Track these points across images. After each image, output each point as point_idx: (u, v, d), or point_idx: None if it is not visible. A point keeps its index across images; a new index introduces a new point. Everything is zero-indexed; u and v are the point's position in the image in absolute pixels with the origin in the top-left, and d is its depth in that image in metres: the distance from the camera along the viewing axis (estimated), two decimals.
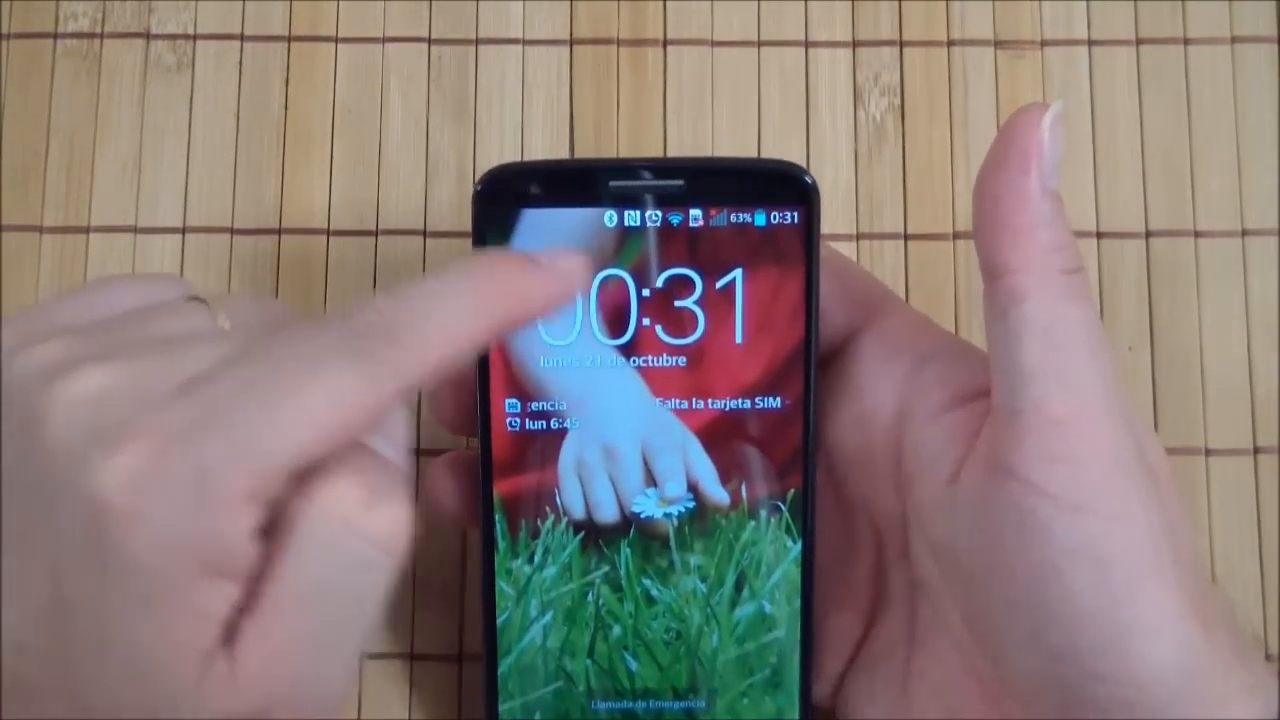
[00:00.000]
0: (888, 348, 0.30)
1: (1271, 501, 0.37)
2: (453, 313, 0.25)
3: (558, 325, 0.30)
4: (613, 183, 0.30)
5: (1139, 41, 0.39)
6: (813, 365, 0.30)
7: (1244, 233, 0.38)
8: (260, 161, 0.38)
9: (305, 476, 0.23)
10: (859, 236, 0.38)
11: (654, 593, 0.31)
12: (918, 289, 0.38)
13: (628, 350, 0.30)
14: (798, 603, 0.31)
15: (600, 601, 0.31)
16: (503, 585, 0.31)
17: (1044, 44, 0.39)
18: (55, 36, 0.39)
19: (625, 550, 0.31)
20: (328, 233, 0.38)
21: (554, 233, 0.30)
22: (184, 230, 0.38)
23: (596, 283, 0.30)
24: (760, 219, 0.30)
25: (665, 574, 0.31)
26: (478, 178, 0.30)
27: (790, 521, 0.31)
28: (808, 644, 0.31)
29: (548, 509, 0.31)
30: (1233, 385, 0.37)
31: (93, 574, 0.22)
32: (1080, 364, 0.26)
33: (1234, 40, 0.39)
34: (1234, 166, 0.38)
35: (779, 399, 0.30)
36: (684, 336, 0.30)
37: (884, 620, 0.31)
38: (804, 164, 0.38)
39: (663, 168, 0.30)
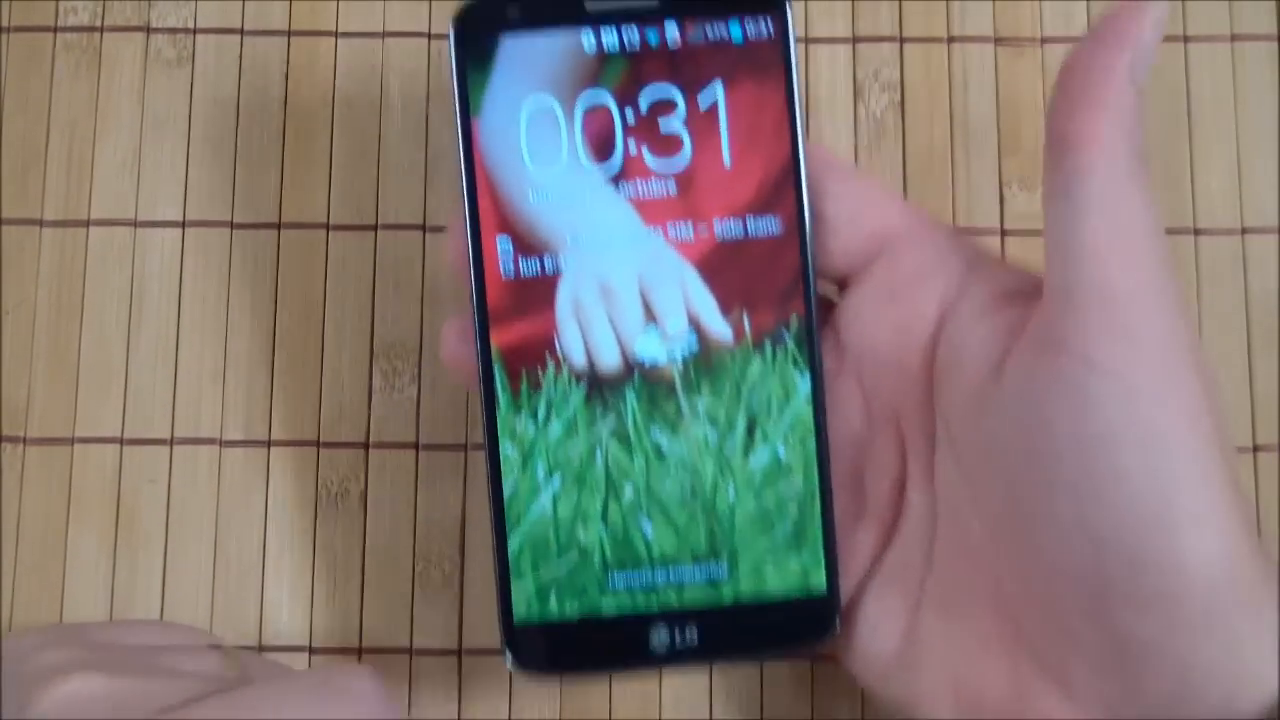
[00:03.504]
0: (933, 253, 0.30)
1: (1272, 501, 0.37)
2: None
3: (544, 155, 0.30)
4: (589, 3, 0.30)
5: None
6: (803, 182, 0.30)
7: (1244, 231, 0.38)
8: (260, 156, 0.38)
9: None
10: None
11: (664, 445, 0.30)
12: None
13: (616, 179, 0.30)
14: (812, 444, 0.30)
15: (609, 459, 0.30)
16: (507, 448, 0.30)
17: (1044, 41, 0.39)
18: (55, 30, 0.39)
19: (631, 398, 0.30)
20: (327, 227, 0.38)
21: (533, 60, 0.30)
22: (184, 224, 0.38)
23: (580, 109, 0.30)
24: (736, 30, 0.30)
25: (674, 422, 0.30)
26: (453, 13, 0.30)
27: (796, 353, 0.30)
28: (826, 490, 0.30)
29: (548, 357, 0.30)
30: (1233, 384, 0.37)
31: None
32: (1143, 245, 0.26)
33: (1234, 39, 0.39)
34: (1234, 165, 0.38)
35: (773, 220, 0.30)
36: (671, 160, 0.30)
37: (900, 541, 0.30)
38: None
39: None
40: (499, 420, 0.30)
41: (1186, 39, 0.39)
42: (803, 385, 0.30)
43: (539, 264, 0.30)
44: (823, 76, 0.39)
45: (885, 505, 0.30)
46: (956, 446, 0.29)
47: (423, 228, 0.38)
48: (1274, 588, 0.26)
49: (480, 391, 0.30)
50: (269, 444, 0.37)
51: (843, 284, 0.31)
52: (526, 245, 0.30)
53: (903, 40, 0.39)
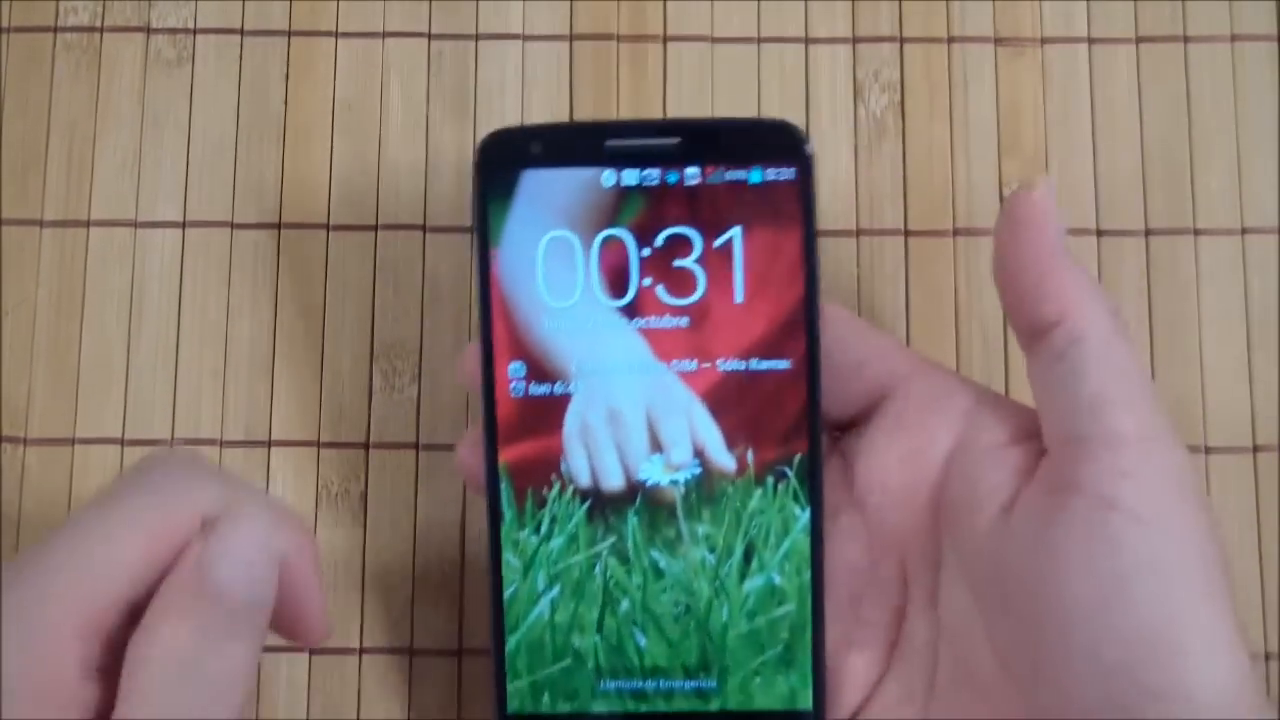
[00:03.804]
0: (940, 391, 0.31)
1: (1271, 499, 0.37)
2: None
3: (560, 287, 0.31)
4: (610, 142, 0.30)
5: (1139, 40, 0.39)
6: (815, 325, 0.30)
7: (1244, 231, 0.38)
8: (260, 156, 0.38)
9: (150, 618, 0.25)
10: (859, 233, 0.38)
11: (662, 564, 0.30)
12: (918, 285, 0.38)
13: (629, 311, 0.31)
14: (808, 575, 0.30)
15: (608, 574, 0.30)
16: (509, 557, 0.31)
17: (1044, 41, 0.39)
18: (55, 31, 0.39)
19: (632, 519, 0.30)
20: (327, 227, 0.38)
21: (553, 194, 0.30)
22: (184, 224, 0.38)
23: (597, 243, 0.30)
24: (756, 176, 0.30)
25: (673, 544, 0.30)
26: (477, 142, 0.31)
27: (798, 488, 0.30)
28: (819, 619, 0.30)
29: (553, 477, 0.30)
30: (1233, 383, 0.37)
31: None
32: (1141, 389, 0.28)
33: (1234, 39, 0.39)
34: (1234, 165, 0.38)
35: (783, 360, 0.30)
36: (685, 296, 0.31)
37: (902, 668, 0.31)
38: None
39: (659, 127, 0.31)
40: (503, 532, 0.31)
41: (1186, 39, 0.39)
42: (802, 518, 0.30)
43: (550, 389, 0.31)
44: (823, 76, 0.39)
45: (884, 632, 0.31)
46: (968, 578, 0.29)
47: (423, 228, 0.38)
48: (1273, 711, 0.27)
49: (486, 504, 0.31)
50: (269, 444, 0.37)
51: (852, 424, 0.32)
52: (539, 370, 0.31)
53: (903, 40, 0.39)
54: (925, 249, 0.38)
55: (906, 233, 0.38)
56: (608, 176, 0.30)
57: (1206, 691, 0.26)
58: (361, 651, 0.36)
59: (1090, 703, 0.27)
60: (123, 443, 0.37)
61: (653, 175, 0.30)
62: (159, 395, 0.37)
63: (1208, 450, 0.37)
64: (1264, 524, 0.37)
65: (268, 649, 0.36)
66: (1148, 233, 0.38)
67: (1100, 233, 0.38)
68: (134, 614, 0.26)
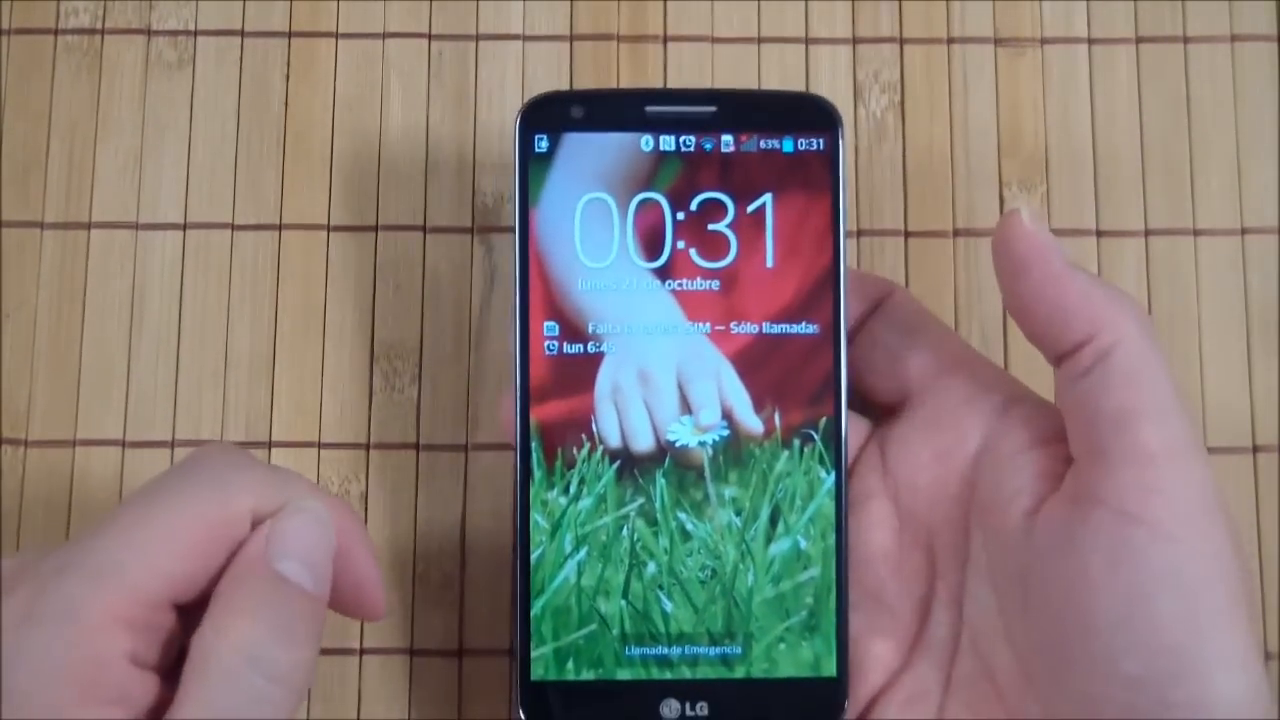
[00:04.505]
0: (975, 388, 0.31)
1: (1271, 500, 0.37)
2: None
3: (596, 248, 0.31)
4: (649, 109, 0.31)
5: (1139, 40, 0.39)
6: (843, 291, 0.31)
7: (1243, 231, 0.38)
8: (261, 157, 0.38)
9: (217, 613, 0.26)
10: (859, 234, 0.38)
11: (689, 527, 0.31)
12: (918, 285, 0.38)
13: (663, 273, 0.31)
14: (832, 539, 0.31)
15: (635, 536, 0.31)
16: (537, 518, 0.31)
17: (1044, 42, 0.39)
18: (56, 33, 0.39)
19: (660, 481, 0.31)
20: (328, 228, 0.38)
21: (593, 157, 0.31)
22: (185, 226, 0.38)
23: (633, 206, 0.31)
24: (788, 145, 0.31)
25: (700, 507, 0.31)
26: (521, 105, 0.31)
27: (823, 451, 0.31)
28: (842, 585, 0.31)
29: (583, 437, 0.31)
30: (1233, 383, 0.37)
31: None
32: (1168, 401, 0.28)
33: (1234, 39, 0.39)
34: (1233, 165, 0.38)
35: (810, 325, 0.31)
36: (717, 260, 0.31)
37: (921, 663, 0.31)
38: None
39: (696, 96, 0.32)
40: (532, 492, 0.31)
41: (1186, 39, 0.39)
42: (827, 481, 0.31)
43: (582, 349, 0.31)
44: (823, 77, 0.39)
45: (908, 622, 0.31)
46: (993, 578, 0.30)
47: (423, 228, 0.38)
48: None
49: (516, 463, 0.31)
50: (270, 445, 0.37)
51: (896, 409, 0.32)
52: (572, 330, 0.31)
53: (903, 41, 0.39)
54: (925, 249, 0.38)
55: (906, 233, 0.38)
56: (646, 141, 0.31)
57: (1225, 702, 0.26)
58: (361, 651, 0.36)
59: (1109, 712, 0.27)
60: (124, 444, 0.37)
61: (689, 141, 0.31)
62: (160, 396, 0.37)
63: (1207, 451, 0.37)
64: (1264, 524, 0.37)
65: None
66: (1148, 233, 0.38)
67: (1100, 233, 0.38)
68: (185, 613, 0.26)
